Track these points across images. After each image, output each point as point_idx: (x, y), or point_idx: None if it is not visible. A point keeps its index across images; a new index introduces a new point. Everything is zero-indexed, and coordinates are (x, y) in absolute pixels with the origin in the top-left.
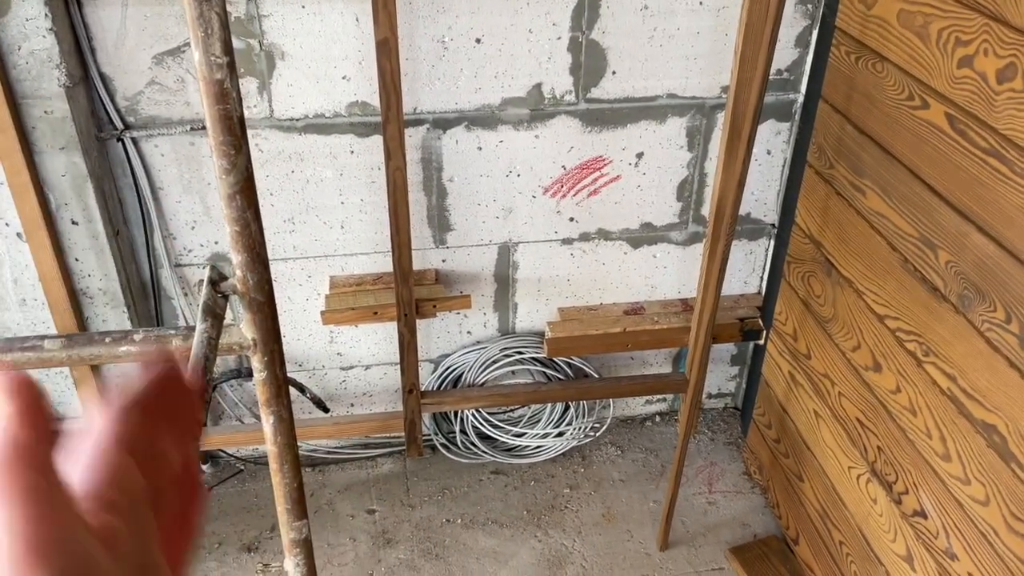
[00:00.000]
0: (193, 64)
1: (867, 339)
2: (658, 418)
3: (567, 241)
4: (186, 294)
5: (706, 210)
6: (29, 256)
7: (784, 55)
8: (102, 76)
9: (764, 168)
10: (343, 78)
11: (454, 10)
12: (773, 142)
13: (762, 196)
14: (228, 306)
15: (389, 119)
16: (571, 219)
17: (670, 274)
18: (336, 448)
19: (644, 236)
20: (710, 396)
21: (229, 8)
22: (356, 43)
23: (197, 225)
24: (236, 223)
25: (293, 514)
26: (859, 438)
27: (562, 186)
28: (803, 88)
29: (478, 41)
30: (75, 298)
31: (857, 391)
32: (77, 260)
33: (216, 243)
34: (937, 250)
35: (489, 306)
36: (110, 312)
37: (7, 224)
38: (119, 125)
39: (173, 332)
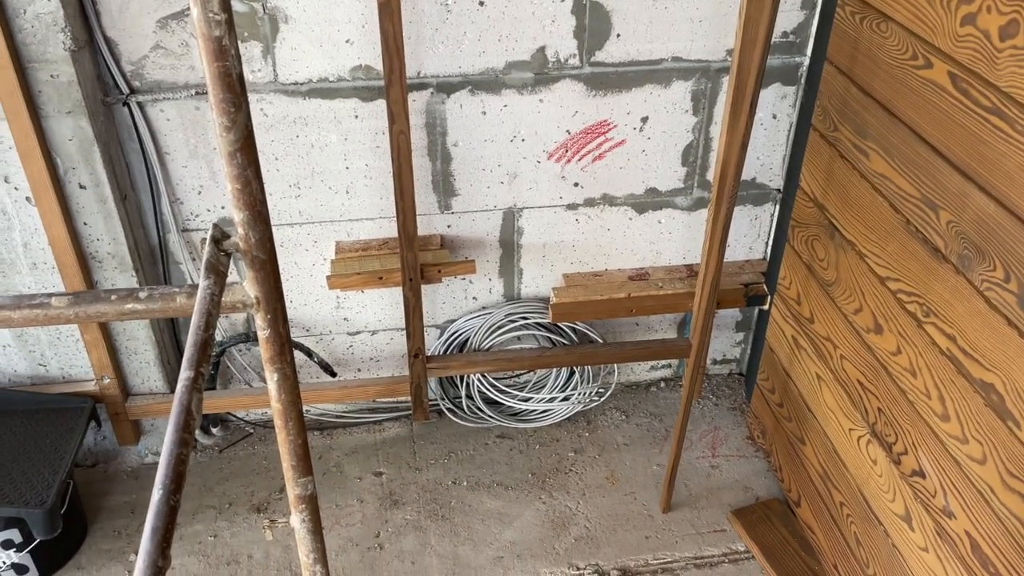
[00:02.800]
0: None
1: (869, 301)
2: (663, 384)
3: (572, 206)
4: (194, 259)
5: (711, 175)
6: (38, 220)
7: (790, 17)
8: (107, 40)
9: (770, 132)
10: (346, 42)
11: None
12: (779, 106)
13: (768, 161)
14: (232, 266)
15: (392, 82)
16: (576, 184)
17: (675, 240)
18: (344, 412)
19: (649, 201)
20: (715, 362)
21: None
22: (359, 5)
23: (204, 190)
24: (237, 181)
25: (298, 470)
26: (860, 400)
27: (567, 151)
28: (809, 51)
29: (481, 3)
30: (84, 262)
31: (858, 353)
32: (86, 224)
33: (223, 208)
34: (938, 210)
35: (494, 272)
36: (119, 276)
37: (16, 188)
38: (125, 89)
39: (177, 290)
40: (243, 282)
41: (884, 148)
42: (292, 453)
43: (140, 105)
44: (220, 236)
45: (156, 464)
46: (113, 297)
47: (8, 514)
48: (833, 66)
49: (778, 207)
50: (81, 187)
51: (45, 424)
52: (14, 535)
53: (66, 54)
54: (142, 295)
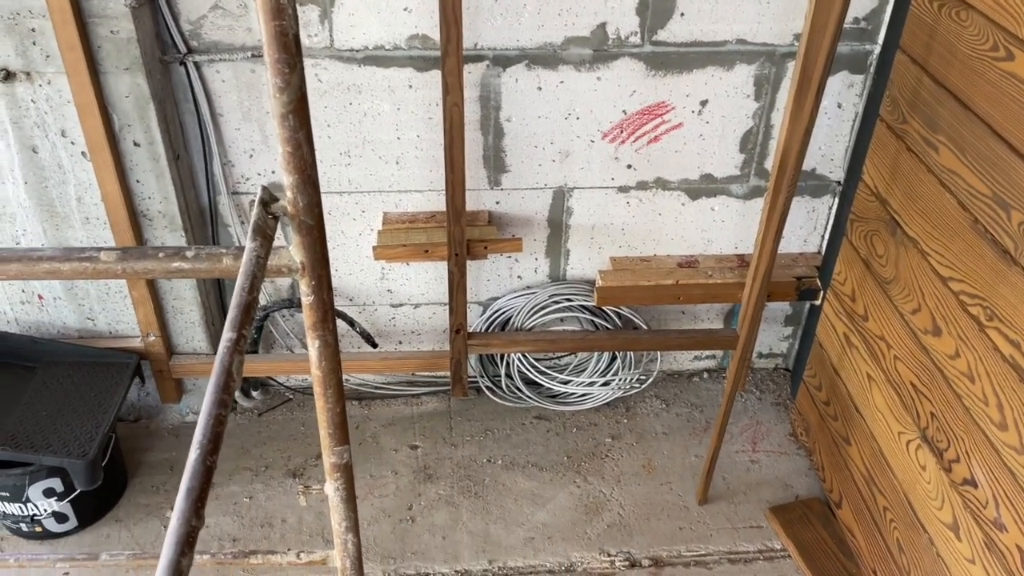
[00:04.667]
0: None
1: (928, 302)
2: (706, 375)
3: (624, 189)
4: (243, 222)
5: (770, 163)
6: (93, 175)
7: (863, 2)
8: None
9: (833, 122)
10: (404, 9)
11: None
12: (845, 95)
13: (829, 152)
14: (279, 230)
15: (448, 53)
16: (629, 166)
17: (728, 228)
18: (383, 384)
19: (703, 187)
20: (761, 356)
21: None
22: None
23: (255, 153)
24: (288, 143)
25: (335, 439)
26: (912, 403)
27: (621, 131)
28: (881, 39)
29: None
30: (135, 219)
31: (914, 355)
32: (138, 182)
33: (273, 172)
34: (1011, 210)
35: (541, 251)
36: (168, 235)
37: (72, 143)
38: (182, 48)
39: (224, 251)
40: (289, 247)
41: (956, 143)
42: (330, 421)
43: (196, 65)
44: (268, 199)
45: (195, 423)
46: (161, 255)
47: (51, 463)
48: (906, 55)
49: (837, 200)
50: (135, 145)
51: (91, 377)
52: (56, 484)
53: (126, 10)
54: (189, 254)
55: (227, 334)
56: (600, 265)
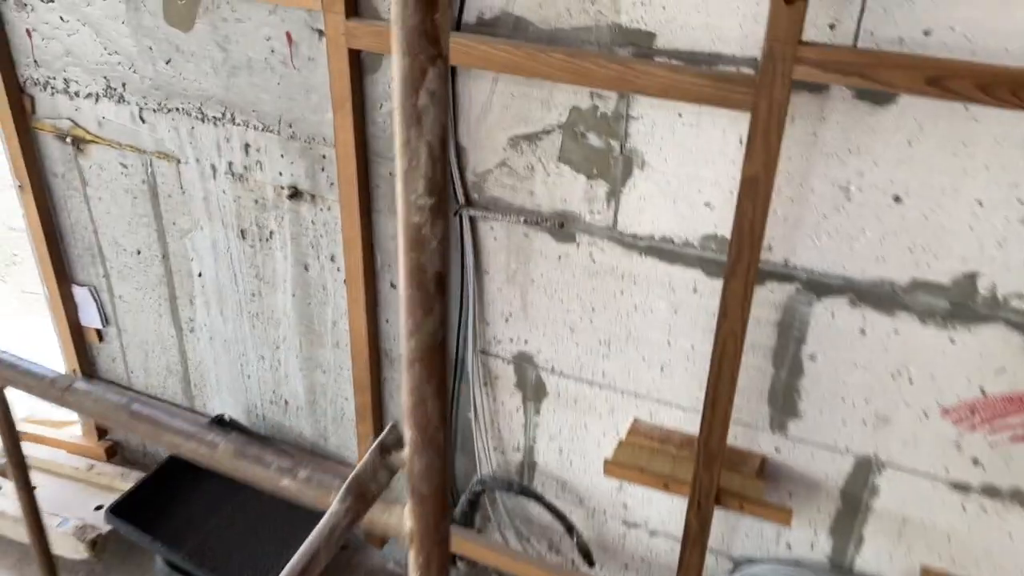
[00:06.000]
0: (545, 153)
1: None
2: None
3: (961, 487)
4: (484, 383)
5: None
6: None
7: None
8: (458, 148)
9: None
10: (705, 205)
11: (872, 154)
12: None
13: None
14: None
15: (735, 273)
16: (975, 462)
17: None
18: None
19: None
20: None
21: (598, 102)
22: (733, 169)
23: (511, 318)
24: (412, 395)
25: None
26: None
27: (973, 414)
28: None
29: (896, 199)
30: (376, 355)
31: None
32: (387, 322)
33: (525, 342)
34: None
35: (824, 526)
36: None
37: (338, 269)
38: (461, 199)
39: (335, 487)
40: (406, 504)
41: None
42: None
43: (472, 219)
44: (392, 444)
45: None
46: (273, 466)
47: None
48: None
49: None
50: (392, 286)
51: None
52: None
53: None
54: (301, 475)
55: None
56: (905, 571)
